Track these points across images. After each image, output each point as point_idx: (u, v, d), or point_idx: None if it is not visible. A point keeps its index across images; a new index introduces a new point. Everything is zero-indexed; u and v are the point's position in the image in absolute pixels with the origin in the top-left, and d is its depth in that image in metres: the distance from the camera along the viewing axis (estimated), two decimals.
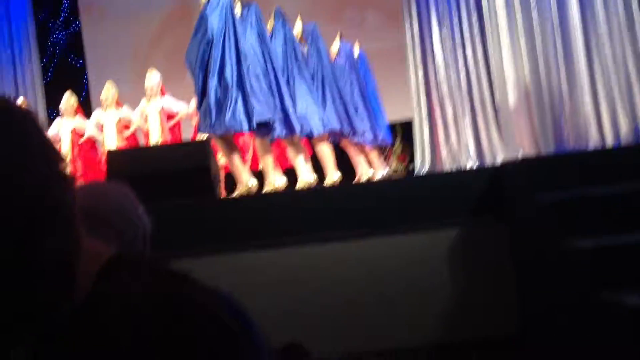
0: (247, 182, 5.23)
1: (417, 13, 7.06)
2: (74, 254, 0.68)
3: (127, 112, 7.74)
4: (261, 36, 5.55)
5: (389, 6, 9.17)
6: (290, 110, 5.52)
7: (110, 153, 5.13)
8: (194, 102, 7.40)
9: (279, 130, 5.44)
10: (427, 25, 7.01)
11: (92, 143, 7.85)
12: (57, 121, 7.89)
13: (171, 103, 7.77)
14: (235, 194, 5.33)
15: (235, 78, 5.23)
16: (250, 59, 5.38)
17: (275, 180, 5.40)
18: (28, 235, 0.64)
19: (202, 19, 5.37)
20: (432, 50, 7.01)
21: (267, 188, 5.43)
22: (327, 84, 6.41)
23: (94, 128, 7.73)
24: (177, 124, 7.81)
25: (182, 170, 4.33)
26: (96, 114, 7.88)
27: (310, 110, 5.91)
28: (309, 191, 5.15)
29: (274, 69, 5.51)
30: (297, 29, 6.48)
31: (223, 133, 5.13)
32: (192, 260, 3.74)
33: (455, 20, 6.89)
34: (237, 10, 5.58)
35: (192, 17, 5.66)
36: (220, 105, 5.11)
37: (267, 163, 5.55)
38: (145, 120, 7.61)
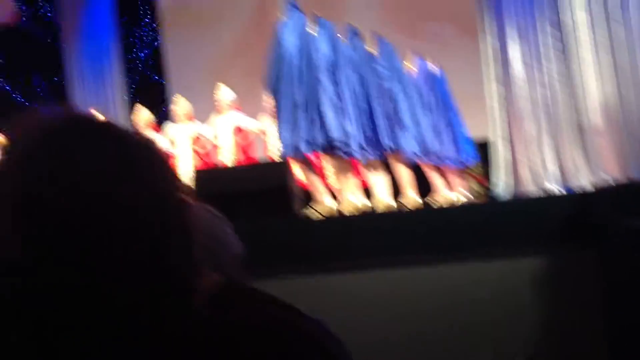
0: (325, 202, 5.24)
1: (495, 27, 6.90)
2: (194, 275, 0.71)
3: (199, 127, 7.83)
4: (337, 54, 5.55)
5: (463, 20, 9.04)
6: (368, 130, 5.50)
7: (198, 172, 5.23)
8: (265, 120, 7.50)
9: (356, 150, 5.43)
10: (505, 40, 6.83)
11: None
12: None
13: (242, 119, 7.78)
14: (313, 214, 5.34)
15: (312, 97, 5.24)
16: (327, 77, 5.39)
17: (355, 201, 5.38)
18: (154, 252, 0.66)
19: (279, 38, 5.43)
20: (511, 66, 6.83)
21: (344, 208, 5.41)
22: (405, 103, 6.32)
23: (166, 143, 7.88)
24: (249, 141, 7.79)
25: (262, 190, 4.36)
26: (168, 128, 8.00)
27: (390, 130, 5.87)
28: (387, 214, 5.11)
29: (353, 87, 5.51)
30: (373, 45, 6.43)
31: (298, 153, 5.17)
32: (267, 282, 3.75)
33: (536, 34, 6.69)
34: (313, 28, 5.62)
35: (270, 36, 5.71)
36: (298, 125, 5.14)
37: (346, 183, 5.52)
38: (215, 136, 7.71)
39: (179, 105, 7.90)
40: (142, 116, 7.96)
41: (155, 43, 10.64)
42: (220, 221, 1.48)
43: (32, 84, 10.75)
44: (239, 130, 7.67)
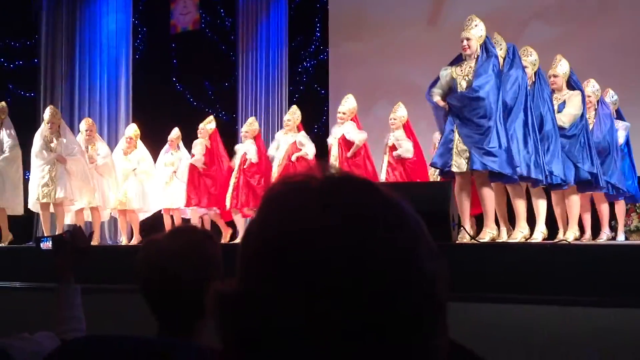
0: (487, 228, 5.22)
1: None
2: (445, 349, 0.70)
3: (302, 137, 7.83)
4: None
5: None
6: (533, 157, 5.41)
7: None
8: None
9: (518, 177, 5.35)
10: None
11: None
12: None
13: (351, 131, 7.59)
14: (463, 237, 5.29)
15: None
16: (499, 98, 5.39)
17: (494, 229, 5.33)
18: (417, 329, 0.66)
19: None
20: None
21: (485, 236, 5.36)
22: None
23: (272, 149, 8.06)
24: (359, 153, 7.57)
25: (422, 211, 4.36)
26: (277, 135, 8.19)
27: (554, 159, 5.70)
28: (546, 247, 4.94)
29: (525, 113, 5.46)
30: (534, 60, 6.21)
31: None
32: None
33: None
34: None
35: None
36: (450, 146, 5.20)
37: (521, 209, 5.46)
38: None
39: (292, 114, 8.07)
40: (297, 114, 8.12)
41: (322, 56, 10.96)
42: None
43: (204, 87, 11.41)
44: (345, 142, 7.59)
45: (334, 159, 7.47)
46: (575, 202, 6.04)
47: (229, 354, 0.68)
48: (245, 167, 8.05)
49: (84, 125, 8.63)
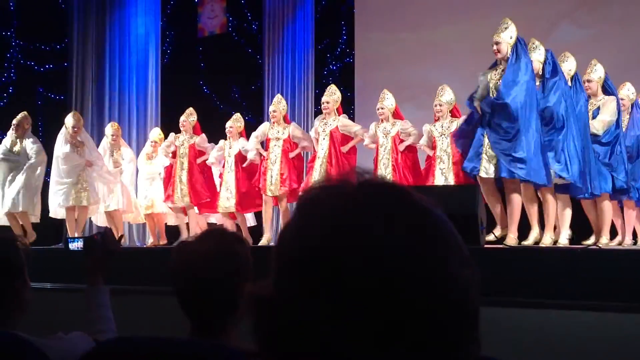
0: (510, 233, 5.16)
1: None
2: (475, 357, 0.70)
3: (294, 129, 7.65)
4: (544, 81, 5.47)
5: None
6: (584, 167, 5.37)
7: None
8: (373, 127, 7.21)
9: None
10: None
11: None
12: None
13: (347, 123, 7.44)
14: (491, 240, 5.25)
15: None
16: (531, 104, 5.32)
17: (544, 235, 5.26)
18: (456, 337, 0.66)
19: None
20: None
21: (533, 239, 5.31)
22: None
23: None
24: (354, 148, 7.40)
25: (450, 214, 4.33)
26: (261, 127, 7.90)
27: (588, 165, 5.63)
28: (583, 251, 4.88)
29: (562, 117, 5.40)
30: (571, 66, 6.14)
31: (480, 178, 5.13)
32: None
33: None
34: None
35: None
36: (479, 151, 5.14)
37: (534, 214, 5.39)
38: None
39: (276, 105, 7.78)
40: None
41: (348, 58, 10.97)
42: None
43: (231, 90, 11.48)
44: (342, 136, 7.41)
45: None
46: (608, 209, 5.98)
47: (264, 355, 0.68)
48: (244, 166, 7.86)
49: (109, 129, 8.71)
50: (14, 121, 8.23)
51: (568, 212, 5.80)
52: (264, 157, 7.67)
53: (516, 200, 5.40)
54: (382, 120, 7.26)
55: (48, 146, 8.44)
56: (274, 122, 7.69)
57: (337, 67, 11.08)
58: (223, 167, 8.10)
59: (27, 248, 1.95)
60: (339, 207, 0.67)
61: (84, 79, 11.00)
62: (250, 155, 7.81)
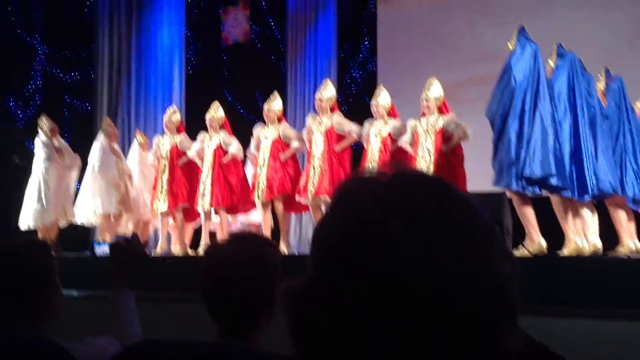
0: (539, 241, 5.08)
1: None
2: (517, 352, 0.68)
3: (284, 128, 7.31)
4: (573, 89, 5.34)
5: None
6: (586, 169, 5.25)
7: None
8: (367, 126, 6.86)
9: (569, 190, 5.19)
10: None
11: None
12: None
13: (342, 122, 7.02)
14: (522, 252, 5.17)
15: (534, 130, 5.08)
16: (551, 111, 5.21)
17: (579, 244, 5.17)
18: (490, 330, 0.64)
19: (507, 68, 5.31)
20: None
21: (569, 249, 5.20)
22: (631, 144, 5.92)
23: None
24: (348, 148, 7.04)
25: None
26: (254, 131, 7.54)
27: (604, 169, 5.53)
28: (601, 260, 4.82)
29: (576, 123, 5.30)
30: (602, 80, 6.07)
31: (517, 189, 5.03)
32: None
33: None
34: (552, 60, 5.47)
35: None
36: (517, 159, 5.02)
37: (569, 224, 5.28)
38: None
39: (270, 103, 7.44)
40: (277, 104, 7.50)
41: (370, 65, 10.96)
42: None
43: (254, 98, 11.52)
44: (337, 135, 7.01)
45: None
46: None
47: (299, 356, 0.67)
48: (224, 162, 7.40)
49: (140, 138, 8.81)
50: (51, 126, 8.27)
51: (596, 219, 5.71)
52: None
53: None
54: (376, 119, 6.90)
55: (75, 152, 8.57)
56: (267, 123, 7.33)
57: (359, 74, 11.07)
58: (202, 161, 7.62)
59: (59, 253, 1.97)
60: (374, 198, 0.65)
61: (110, 88, 11.12)
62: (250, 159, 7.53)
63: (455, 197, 0.67)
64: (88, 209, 8.14)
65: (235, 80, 11.67)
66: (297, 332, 0.67)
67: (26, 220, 8.07)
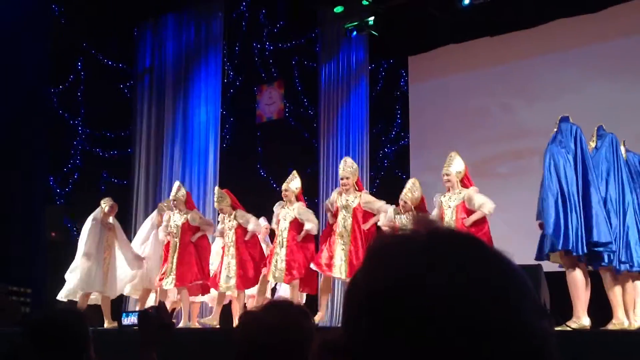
0: (583, 319, 4.96)
1: None
2: None
3: (299, 208, 7.25)
4: (613, 169, 5.35)
5: None
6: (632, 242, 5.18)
7: None
8: (391, 212, 6.81)
9: (614, 262, 5.09)
10: None
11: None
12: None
13: (370, 200, 7.01)
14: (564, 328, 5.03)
15: (584, 199, 5.09)
16: (595, 186, 5.21)
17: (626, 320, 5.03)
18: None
19: (548, 152, 5.32)
20: None
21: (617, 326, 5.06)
22: None
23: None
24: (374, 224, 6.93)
25: None
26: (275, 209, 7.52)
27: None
28: None
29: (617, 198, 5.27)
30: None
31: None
32: None
33: None
34: (592, 142, 5.52)
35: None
36: (558, 228, 5.00)
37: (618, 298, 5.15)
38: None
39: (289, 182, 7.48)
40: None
41: (402, 141, 11.05)
42: None
43: (288, 173, 11.63)
44: (364, 213, 7.07)
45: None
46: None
47: None
48: (247, 239, 7.42)
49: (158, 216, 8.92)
50: (112, 203, 8.43)
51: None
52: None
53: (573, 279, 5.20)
54: (401, 211, 6.84)
55: None
56: (286, 203, 7.31)
57: (391, 150, 11.17)
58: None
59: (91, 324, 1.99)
60: (409, 256, 0.67)
61: (148, 165, 11.37)
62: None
63: (488, 255, 0.69)
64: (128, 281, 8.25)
65: (268, 155, 11.84)
66: None
67: (70, 291, 8.12)
